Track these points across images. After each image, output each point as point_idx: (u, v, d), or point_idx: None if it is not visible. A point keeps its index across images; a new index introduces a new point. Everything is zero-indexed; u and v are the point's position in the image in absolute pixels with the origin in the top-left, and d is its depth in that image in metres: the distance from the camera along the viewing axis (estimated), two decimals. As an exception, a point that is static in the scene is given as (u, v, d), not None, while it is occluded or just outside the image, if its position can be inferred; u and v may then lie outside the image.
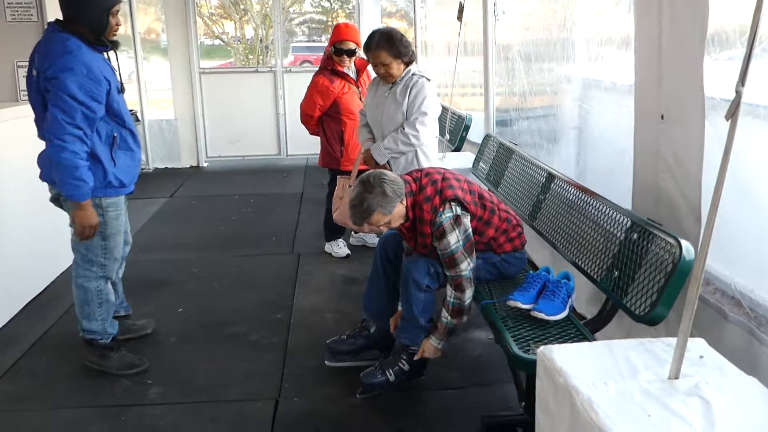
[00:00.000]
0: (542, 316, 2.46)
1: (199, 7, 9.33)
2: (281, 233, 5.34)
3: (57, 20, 2.92)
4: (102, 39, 2.88)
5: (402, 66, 3.49)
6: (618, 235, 2.49)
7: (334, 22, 13.51)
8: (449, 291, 2.74)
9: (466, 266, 2.72)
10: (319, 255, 4.80)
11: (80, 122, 2.76)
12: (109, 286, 3.21)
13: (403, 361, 2.90)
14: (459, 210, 2.71)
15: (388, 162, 3.63)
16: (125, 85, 3.11)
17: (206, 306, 3.98)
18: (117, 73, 3.03)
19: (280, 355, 3.33)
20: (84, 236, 2.93)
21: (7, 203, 3.74)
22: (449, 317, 2.76)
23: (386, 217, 2.67)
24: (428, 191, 2.74)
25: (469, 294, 2.74)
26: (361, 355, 3.14)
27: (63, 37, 2.81)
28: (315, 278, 4.39)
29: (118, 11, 2.89)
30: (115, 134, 2.97)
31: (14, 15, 4.50)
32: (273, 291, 4.14)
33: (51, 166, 2.85)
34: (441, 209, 2.69)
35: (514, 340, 2.37)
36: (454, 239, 2.69)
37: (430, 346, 2.82)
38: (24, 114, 3.77)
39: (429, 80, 3.52)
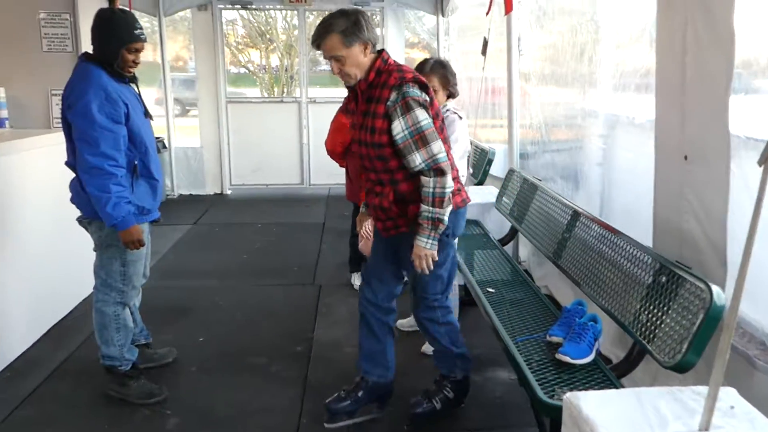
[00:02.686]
0: (568, 359, 2.43)
1: (227, 36, 9.49)
2: (303, 263, 5.34)
3: (85, 52, 3.03)
4: (119, 72, 2.97)
5: (445, 96, 3.49)
6: (645, 277, 2.45)
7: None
8: (428, 181, 2.56)
9: (439, 148, 2.56)
10: (340, 287, 4.79)
11: (105, 148, 2.84)
12: (127, 311, 3.23)
13: (447, 389, 2.98)
14: (427, 100, 2.60)
15: None
16: (152, 114, 3.19)
17: (227, 335, 3.98)
18: (140, 100, 3.11)
19: (299, 390, 3.30)
20: (132, 249, 3.02)
21: (33, 228, 3.80)
22: (432, 207, 2.58)
23: (343, 49, 2.54)
24: (402, 68, 2.66)
25: (449, 181, 2.58)
26: (360, 412, 3.01)
27: (85, 67, 2.94)
28: (335, 311, 4.37)
29: (136, 49, 2.98)
30: (136, 162, 3.02)
31: (50, 45, 4.61)
32: (293, 322, 4.14)
33: (82, 196, 2.97)
34: (410, 83, 2.56)
35: (539, 384, 2.33)
36: (423, 115, 2.55)
37: (420, 249, 2.64)
38: (55, 141, 3.85)
39: (461, 118, 3.51)
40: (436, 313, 2.95)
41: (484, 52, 5.31)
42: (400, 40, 8.51)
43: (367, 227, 3.33)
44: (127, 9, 3.24)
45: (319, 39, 2.57)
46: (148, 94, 8.11)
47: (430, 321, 2.96)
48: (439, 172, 2.56)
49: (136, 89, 3.14)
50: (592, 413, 1.76)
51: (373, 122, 2.60)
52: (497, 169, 5.33)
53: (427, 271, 2.68)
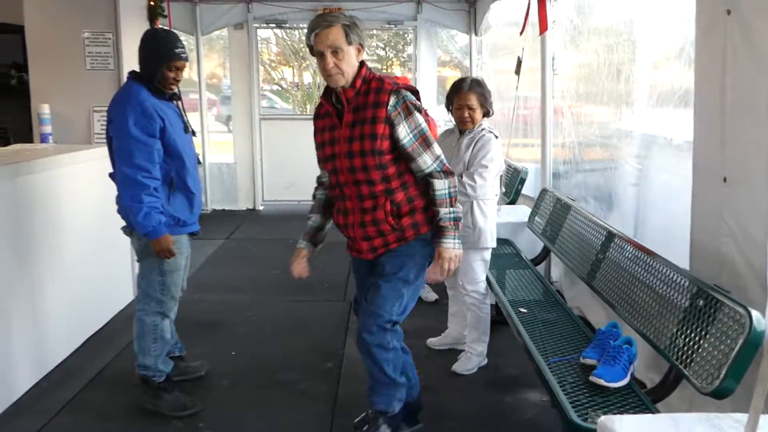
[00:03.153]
0: (602, 382, 2.40)
1: (261, 54, 9.65)
2: (334, 280, 5.37)
3: (132, 70, 3.16)
4: (159, 88, 3.08)
5: (481, 115, 3.51)
6: (682, 300, 2.42)
7: (389, 71, 13.76)
8: (441, 182, 2.58)
9: (440, 150, 2.61)
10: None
11: (139, 160, 2.95)
12: (166, 323, 3.28)
13: (384, 428, 2.72)
14: (421, 106, 2.63)
15: None
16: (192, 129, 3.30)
17: (258, 350, 4.01)
18: (182, 115, 3.20)
19: (329, 406, 3.31)
20: (164, 258, 3.09)
21: (73, 241, 3.89)
22: (450, 208, 2.58)
23: (345, 43, 2.49)
24: (387, 77, 2.67)
25: (456, 179, 2.66)
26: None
27: (128, 84, 3.10)
28: (366, 327, 4.37)
29: (176, 67, 3.08)
30: (173, 176, 3.10)
31: (93, 63, 4.75)
32: (324, 338, 4.16)
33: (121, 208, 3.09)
34: (403, 89, 2.57)
35: (572, 406, 2.31)
36: (421, 119, 2.57)
37: (450, 251, 2.58)
38: (95, 157, 3.96)
39: (497, 137, 3.52)
40: (386, 337, 2.64)
41: (517, 72, 5.31)
42: (433, 59, 8.56)
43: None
44: (170, 29, 3.33)
45: (321, 26, 2.48)
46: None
47: (379, 347, 2.63)
48: (449, 173, 2.60)
49: (179, 105, 3.24)
50: (627, 438, 1.74)
51: (373, 128, 2.51)
52: (528, 188, 5.32)
53: (449, 275, 2.64)
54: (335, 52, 2.49)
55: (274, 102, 12.22)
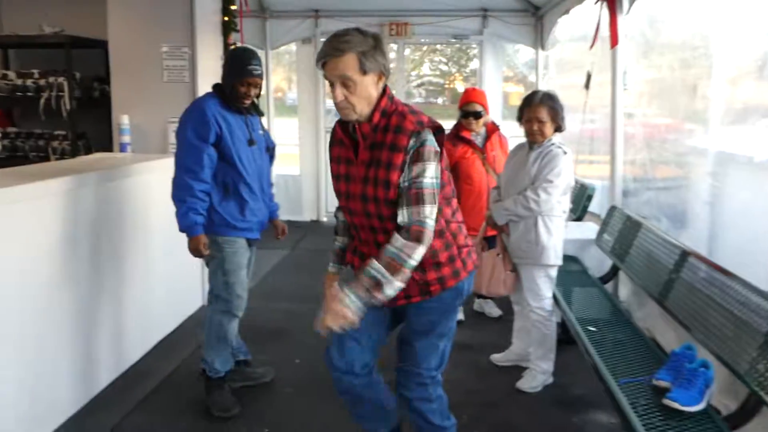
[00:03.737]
0: (676, 405, 2.33)
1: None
2: (396, 292, 5.38)
3: (216, 83, 3.35)
4: (232, 103, 3.25)
5: (552, 129, 3.47)
6: (763, 324, 2.33)
7: (452, 86, 13.75)
8: (396, 240, 2.15)
9: (430, 213, 2.17)
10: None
11: (187, 162, 3.16)
12: (233, 325, 3.40)
13: None
14: (438, 151, 2.23)
15: (507, 225, 3.61)
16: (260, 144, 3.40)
17: (322, 359, 4.04)
18: (248, 129, 3.32)
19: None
20: (194, 257, 3.26)
21: (148, 245, 4.04)
22: (383, 269, 2.13)
23: (357, 73, 2.14)
24: (412, 109, 2.28)
25: (419, 254, 2.16)
26: None
27: (204, 96, 3.31)
28: (429, 340, 4.36)
29: (249, 83, 3.23)
30: (228, 180, 3.25)
31: (170, 76, 4.94)
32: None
33: None
34: (428, 128, 2.19)
35: (645, 429, 2.25)
36: (432, 171, 2.17)
37: (344, 303, 2.12)
38: (170, 166, 4.08)
39: (566, 153, 3.47)
40: (428, 390, 2.50)
41: (587, 86, 5.24)
42: (498, 74, 8.52)
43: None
44: (249, 47, 3.49)
45: (330, 55, 2.13)
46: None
47: (422, 400, 2.51)
48: (415, 238, 2.15)
49: (258, 119, 3.42)
50: (706, 464, 1.68)
51: (387, 175, 2.18)
52: (594, 205, 5.22)
53: (324, 332, 2.19)
54: (345, 83, 2.15)
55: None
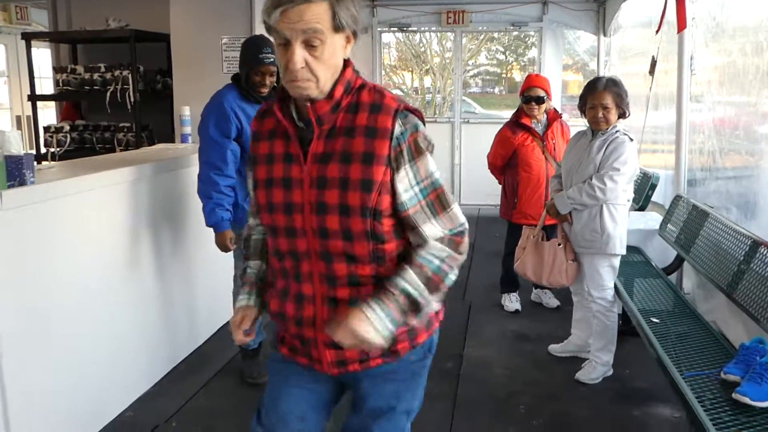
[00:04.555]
0: (747, 400, 2.24)
1: (382, 58, 9.81)
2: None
3: (235, 74, 3.42)
4: (250, 92, 3.27)
5: (616, 116, 3.39)
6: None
7: (509, 75, 13.56)
8: (435, 248, 1.61)
9: (461, 214, 1.66)
10: (491, 307, 4.75)
11: (212, 159, 3.21)
12: None
13: None
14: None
15: (570, 214, 3.54)
16: None
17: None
18: None
19: (449, 406, 3.31)
20: (222, 251, 3.35)
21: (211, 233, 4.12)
22: (422, 285, 1.58)
23: (329, 28, 1.51)
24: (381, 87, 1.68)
25: (459, 264, 1.66)
26: None
27: (222, 88, 3.35)
28: (486, 330, 4.34)
29: (263, 72, 3.24)
30: None
31: (229, 67, 5.03)
32: (443, 339, 4.07)
33: None
34: (413, 115, 1.61)
35: (713, 424, 2.17)
36: (433, 166, 1.62)
37: (371, 325, 1.53)
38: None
39: (632, 140, 3.38)
40: None
41: (652, 72, 5.08)
42: (558, 62, 8.34)
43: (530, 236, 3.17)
44: (263, 35, 3.50)
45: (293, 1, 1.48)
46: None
47: None
48: (457, 247, 1.64)
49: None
50: (780, 460, 1.61)
51: (367, 171, 1.55)
52: (657, 195, 5.06)
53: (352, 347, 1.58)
54: (309, 42, 1.51)
55: (472, 107, 12.22)
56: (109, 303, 3.16)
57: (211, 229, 3.33)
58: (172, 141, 5.23)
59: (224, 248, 3.33)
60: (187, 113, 4.96)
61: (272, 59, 3.23)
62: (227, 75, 5.08)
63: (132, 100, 5.48)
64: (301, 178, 1.59)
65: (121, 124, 5.78)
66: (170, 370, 3.68)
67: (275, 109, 1.63)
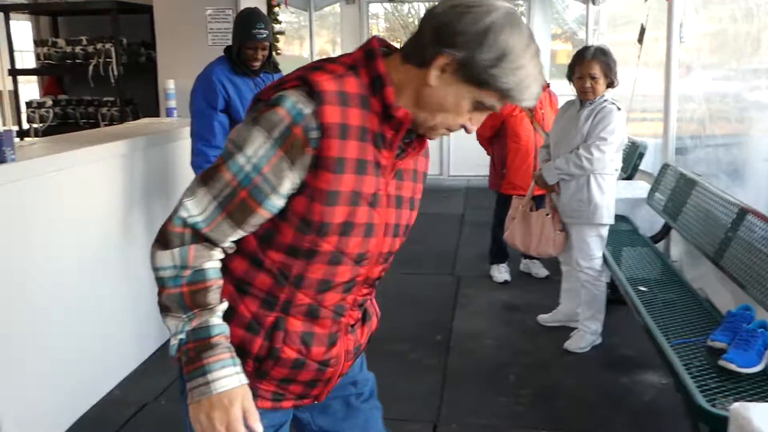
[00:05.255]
0: (733, 367, 2.25)
1: (371, 29, 9.70)
2: (442, 254, 5.37)
3: (227, 46, 3.43)
4: (242, 66, 3.32)
5: (604, 86, 3.36)
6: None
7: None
8: None
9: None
10: (480, 278, 4.76)
11: (201, 129, 3.26)
12: None
13: None
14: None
15: (558, 184, 3.53)
16: None
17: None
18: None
19: (439, 378, 3.33)
20: None
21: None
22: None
23: None
24: None
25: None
26: None
27: (213, 61, 3.39)
28: (475, 302, 4.35)
29: (256, 47, 3.27)
30: None
31: (214, 40, 4.94)
32: (433, 311, 4.17)
33: None
34: None
35: (700, 390, 2.19)
36: None
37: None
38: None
39: (620, 109, 3.36)
40: None
41: (640, 40, 5.04)
42: (547, 32, 8.28)
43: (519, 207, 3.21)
44: (258, 10, 3.48)
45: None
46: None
47: None
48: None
49: (272, 78, 3.43)
50: (765, 426, 1.63)
51: (419, 193, 1.48)
52: (645, 164, 5.06)
53: None
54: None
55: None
56: (95, 281, 3.13)
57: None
58: (157, 115, 5.15)
59: None
60: (172, 87, 4.88)
61: (265, 35, 3.26)
62: (213, 47, 5.01)
63: (115, 73, 5.38)
64: (387, 194, 1.35)
65: (104, 99, 5.68)
66: (159, 347, 3.67)
67: (375, 108, 1.26)
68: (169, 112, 4.85)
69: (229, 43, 4.95)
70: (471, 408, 3.05)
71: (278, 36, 5.61)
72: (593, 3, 7.40)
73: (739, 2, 3.88)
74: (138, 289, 3.48)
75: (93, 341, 3.10)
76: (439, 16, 1.22)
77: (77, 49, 5.54)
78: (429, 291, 4.54)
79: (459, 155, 8.06)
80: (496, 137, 4.51)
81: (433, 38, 1.22)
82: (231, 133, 1.27)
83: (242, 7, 4.86)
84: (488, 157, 4.71)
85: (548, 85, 4.49)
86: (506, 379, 3.30)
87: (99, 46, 5.44)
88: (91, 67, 5.40)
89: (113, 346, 3.27)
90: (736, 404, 1.72)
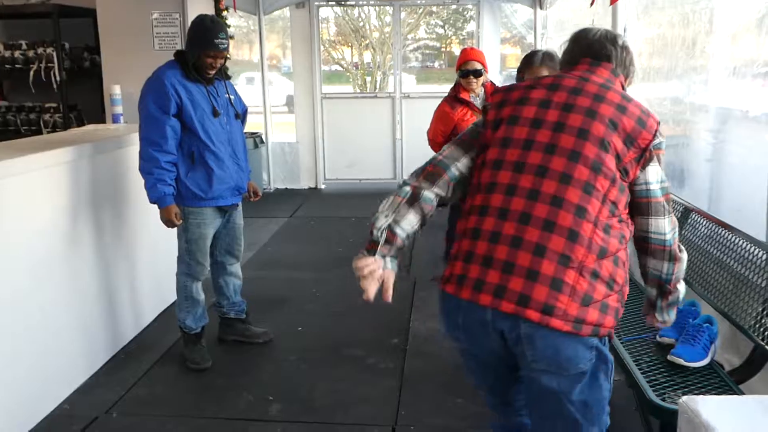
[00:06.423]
0: (681, 361, 2.32)
1: (321, 33, 9.68)
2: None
3: (178, 50, 3.38)
4: (196, 72, 3.27)
5: None
6: (766, 278, 2.31)
7: (448, 48, 13.58)
8: (667, 264, 1.84)
9: None
10: (436, 281, 4.77)
11: (152, 134, 3.19)
12: (197, 285, 3.52)
13: None
14: None
15: None
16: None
17: (324, 326, 4.06)
18: (211, 100, 3.33)
19: (396, 381, 3.33)
20: (167, 227, 3.33)
21: (143, 219, 4.00)
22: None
23: None
24: None
25: None
26: None
27: (163, 65, 3.32)
28: (431, 304, 4.36)
29: (215, 55, 3.24)
30: (194, 150, 3.27)
31: (161, 44, 4.87)
32: (389, 315, 4.16)
33: None
34: None
35: (650, 386, 2.25)
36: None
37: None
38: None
39: None
40: None
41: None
42: (496, 35, 8.39)
43: None
44: (218, 18, 3.47)
45: None
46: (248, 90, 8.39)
47: None
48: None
49: (224, 84, 3.44)
50: (712, 419, 1.67)
51: None
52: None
53: None
54: None
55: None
56: (40, 294, 3.02)
57: (156, 208, 3.26)
58: (103, 121, 5.03)
59: (170, 224, 3.28)
60: (118, 92, 4.78)
61: (226, 45, 3.27)
62: (159, 52, 4.93)
63: (58, 79, 5.24)
64: None
65: (47, 105, 5.53)
66: (110, 358, 3.58)
67: None
68: (115, 118, 4.75)
69: (177, 47, 4.92)
70: (429, 410, 3.06)
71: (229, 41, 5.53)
72: (541, 7, 7.55)
73: (677, 8, 4.02)
74: (85, 300, 3.39)
75: (39, 356, 2.99)
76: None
77: (17, 53, 5.38)
78: (384, 295, 4.53)
79: (412, 159, 8.09)
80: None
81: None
82: None
83: (189, 11, 4.80)
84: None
85: (496, 87, 4.54)
86: (463, 380, 3.31)
87: (40, 50, 5.30)
88: (32, 73, 5.26)
89: (61, 360, 3.16)
90: (685, 398, 1.76)
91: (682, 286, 1.91)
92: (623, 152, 1.70)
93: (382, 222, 1.85)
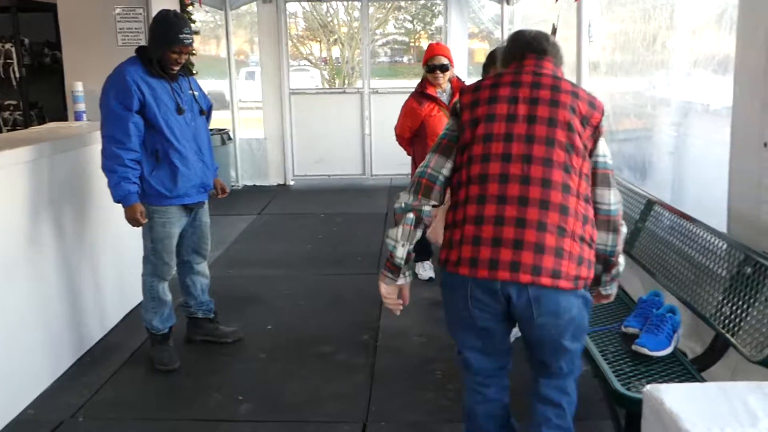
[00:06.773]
0: (645, 351, 2.36)
1: (289, 28, 9.61)
2: (367, 253, 5.37)
3: (140, 46, 3.33)
4: (161, 69, 3.22)
5: None
6: (729, 268, 2.36)
7: (417, 43, 13.61)
8: (611, 235, 2.09)
9: None
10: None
11: (112, 132, 3.13)
12: (163, 285, 3.47)
13: None
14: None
15: None
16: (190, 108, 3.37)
17: (294, 324, 4.04)
18: (176, 97, 3.29)
19: (367, 378, 3.33)
20: (133, 225, 3.27)
21: (108, 218, 3.93)
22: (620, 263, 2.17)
23: None
24: None
25: None
26: None
27: (125, 61, 3.26)
28: (400, 300, 4.37)
29: (180, 51, 3.21)
30: (158, 147, 3.23)
31: (125, 40, 4.78)
32: (359, 311, 4.17)
33: None
34: None
35: (616, 375, 2.29)
36: None
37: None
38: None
39: None
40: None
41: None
42: (463, 31, 8.43)
43: None
44: (181, 14, 3.40)
45: None
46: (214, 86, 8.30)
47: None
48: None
49: (187, 81, 3.41)
50: (675, 406, 1.70)
51: None
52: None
53: None
54: None
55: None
56: (2, 295, 2.95)
57: (120, 207, 3.20)
58: (65, 119, 4.93)
59: (135, 222, 3.23)
60: (80, 89, 4.69)
61: (191, 40, 3.23)
62: (123, 48, 4.85)
63: (17, 75, 5.13)
64: None
65: (6, 102, 5.40)
66: (75, 361, 3.51)
67: None
68: (77, 116, 4.66)
69: (141, 43, 4.83)
70: (399, 405, 3.07)
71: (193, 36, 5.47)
72: (507, 3, 7.60)
73: (638, 3, 4.08)
74: (49, 303, 3.32)
75: (1, 360, 2.92)
76: None
77: (-26, 50, 5.24)
78: (354, 291, 4.54)
79: (381, 155, 8.10)
80: (416, 137, 4.54)
81: None
82: None
83: (153, 6, 4.73)
84: (410, 157, 4.75)
85: (463, 83, 4.56)
86: (433, 374, 3.34)
87: (-2, 46, 5.17)
88: (-10, 69, 5.12)
89: (24, 364, 3.10)
90: (649, 387, 1.79)
91: (622, 260, 2.19)
92: (581, 131, 2.00)
93: (401, 252, 2.12)
